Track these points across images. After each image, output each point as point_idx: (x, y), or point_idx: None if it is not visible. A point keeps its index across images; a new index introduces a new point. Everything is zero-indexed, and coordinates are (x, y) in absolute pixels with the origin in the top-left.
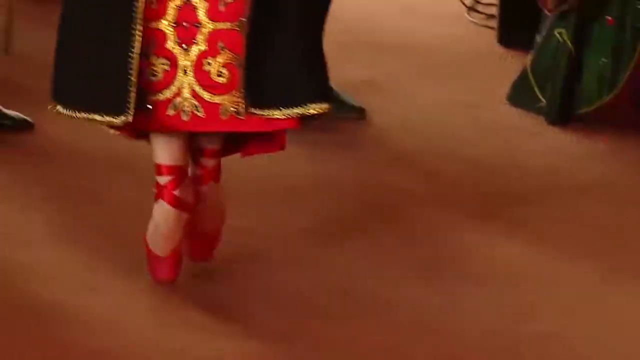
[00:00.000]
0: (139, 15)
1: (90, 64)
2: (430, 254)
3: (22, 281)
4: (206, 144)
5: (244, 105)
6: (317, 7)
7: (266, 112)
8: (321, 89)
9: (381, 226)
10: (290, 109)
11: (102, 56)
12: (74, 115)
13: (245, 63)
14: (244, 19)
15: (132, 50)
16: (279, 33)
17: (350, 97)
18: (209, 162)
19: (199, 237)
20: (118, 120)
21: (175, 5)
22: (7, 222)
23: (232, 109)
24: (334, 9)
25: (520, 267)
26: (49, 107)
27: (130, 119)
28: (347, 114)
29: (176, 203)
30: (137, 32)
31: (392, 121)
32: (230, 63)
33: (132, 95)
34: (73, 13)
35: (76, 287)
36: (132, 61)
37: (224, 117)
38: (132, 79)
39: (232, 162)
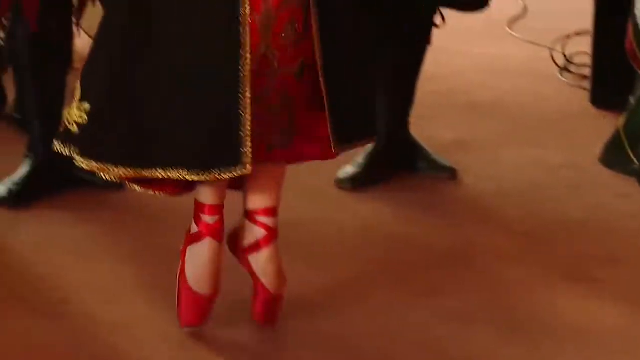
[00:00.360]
0: (247, 65)
1: (184, 117)
2: (516, 313)
3: (110, 337)
4: (266, 203)
5: (333, 146)
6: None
7: (341, 149)
8: (375, 123)
9: (468, 284)
10: (355, 142)
11: (202, 107)
12: (158, 174)
13: (328, 105)
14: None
15: (242, 98)
16: (346, 72)
17: (441, 157)
18: (271, 221)
19: (270, 301)
20: (233, 174)
21: (256, 58)
22: (96, 277)
23: (279, 144)
24: (426, 68)
25: (610, 329)
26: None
27: (249, 169)
28: (437, 173)
29: (223, 239)
30: (245, 77)
31: (483, 181)
32: (286, 104)
33: (248, 143)
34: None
35: (164, 343)
36: (244, 108)
37: (268, 153)
38: (247, 127)
39: (317, 218)
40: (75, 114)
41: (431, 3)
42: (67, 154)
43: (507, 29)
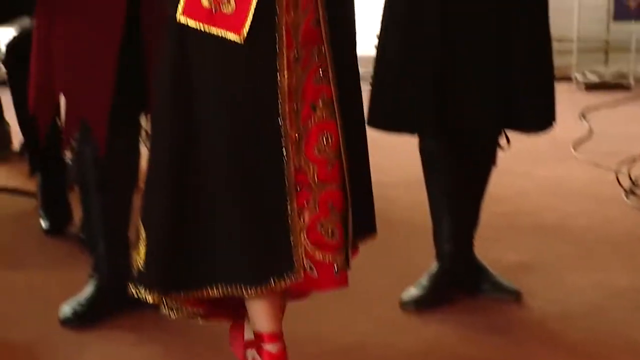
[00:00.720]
0: (291, 181)
1: (238, 233)
2: None
3: None
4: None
5: (347, 260)
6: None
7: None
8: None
9: None
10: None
11: (252, 221)
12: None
13: (347, 219)
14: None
15: (288, 206)
16: (361, 180)
17: (505, 279)
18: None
19: None
20: (287, 282)
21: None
22: None
23: (343, 266)
24: (491, 190)
25: None
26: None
27: (302, 275)
28: (501, 295)
29: None
30: (290, 185)
31: (547, 304)
32: (339, 222)
33: (299, 250)
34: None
35: None
36: (291, 216)
37: (337, 277)
38: (296, 234)
39: (381, 341)
40: (142, 253)
41: (496, 125)
42: (141, 295)
43: (572, 150)
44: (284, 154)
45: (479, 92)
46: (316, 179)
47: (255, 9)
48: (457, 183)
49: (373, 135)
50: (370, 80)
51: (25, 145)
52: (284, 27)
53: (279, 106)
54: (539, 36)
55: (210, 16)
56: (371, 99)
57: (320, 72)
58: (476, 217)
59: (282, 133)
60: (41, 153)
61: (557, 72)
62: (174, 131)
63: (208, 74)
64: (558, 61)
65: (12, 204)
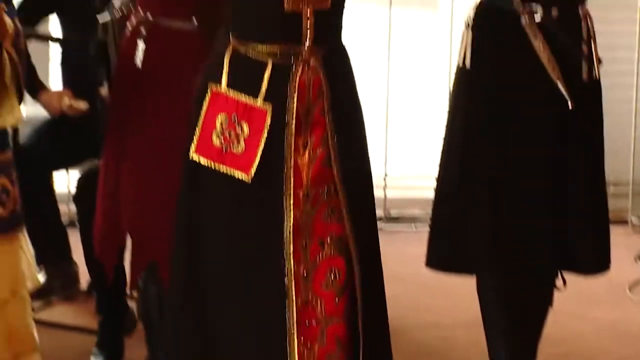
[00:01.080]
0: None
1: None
2: None
3: None
4: None
5: None
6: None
7: None
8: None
9: None
10: None
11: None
12: None
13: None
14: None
15: (289, 345)
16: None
17: None
18: None
19: None
20: None
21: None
22: None
23: None
24: (546, 330)
25: None
26: None
27: None
28: None
29: None
30: (291, 326)
31: None
32: (343, 354)
33: None
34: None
35: None
36: (289, 353)
37: None
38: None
39: None
40: None
41: (552, 266)
42: None
43: (628, 292)
44: (286, 292)
45: (535, 234)
46: (323, 312)
47: (264, 151)
48: (514, 323)
49: (431, 276)
50: (429, 221)
51: (92, 285)
52: (292, 168)
53: (284, 245)
54: (594, 181)
55: (220, 155)
56: (429, 241)
57: (330, 210)
58: (532, 357)
59: (285, 272)
60: (108, 292)
61: (612, 216)
62: (186, 265)
63: (217, 210)
64: (613, 204)
65: (78, 343)
